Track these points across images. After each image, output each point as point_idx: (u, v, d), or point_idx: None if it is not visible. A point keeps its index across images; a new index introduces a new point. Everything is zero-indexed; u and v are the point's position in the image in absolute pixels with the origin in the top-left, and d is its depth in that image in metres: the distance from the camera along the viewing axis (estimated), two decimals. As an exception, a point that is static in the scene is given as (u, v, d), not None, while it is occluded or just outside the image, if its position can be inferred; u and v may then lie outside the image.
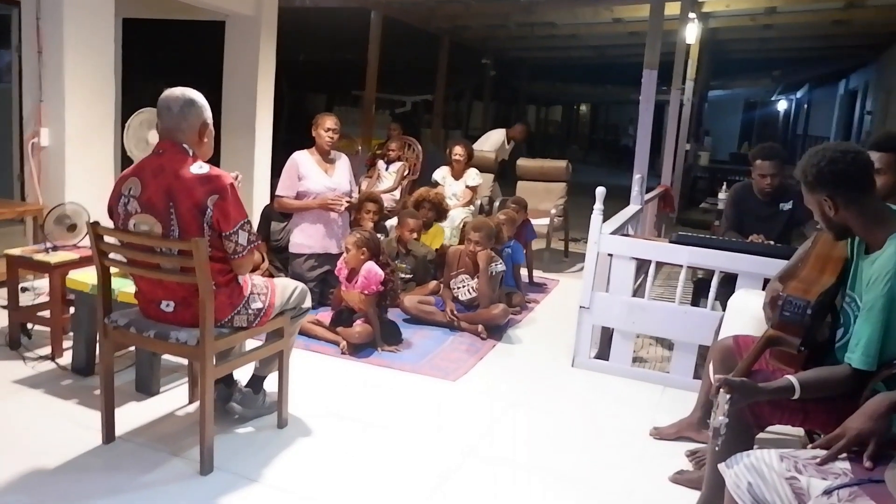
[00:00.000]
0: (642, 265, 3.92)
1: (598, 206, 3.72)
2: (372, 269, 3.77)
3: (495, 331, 4.26)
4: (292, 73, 10.52)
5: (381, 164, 7.06)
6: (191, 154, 2.42)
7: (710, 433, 1.89)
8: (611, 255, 3.75)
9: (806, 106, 18.70)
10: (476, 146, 8.04)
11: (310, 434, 2.83)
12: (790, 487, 1.59)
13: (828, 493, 1.51)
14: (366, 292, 3.76)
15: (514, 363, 3.88)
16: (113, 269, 2.59)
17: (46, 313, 3.47)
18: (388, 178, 6.91)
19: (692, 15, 7.01)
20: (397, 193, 6.68)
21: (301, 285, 2.84)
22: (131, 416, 2.84)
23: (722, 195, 6.54)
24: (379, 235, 4.31)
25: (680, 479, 2.64)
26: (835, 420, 1.96)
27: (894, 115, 9.74)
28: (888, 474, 1.51)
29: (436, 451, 2.77)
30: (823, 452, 1.64)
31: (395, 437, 2.88)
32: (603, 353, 3.91)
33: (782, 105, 20.82)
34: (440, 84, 10.75)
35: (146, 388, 3.06)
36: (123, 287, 2.90)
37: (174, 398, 3.06)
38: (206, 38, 6.79)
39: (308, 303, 2.87)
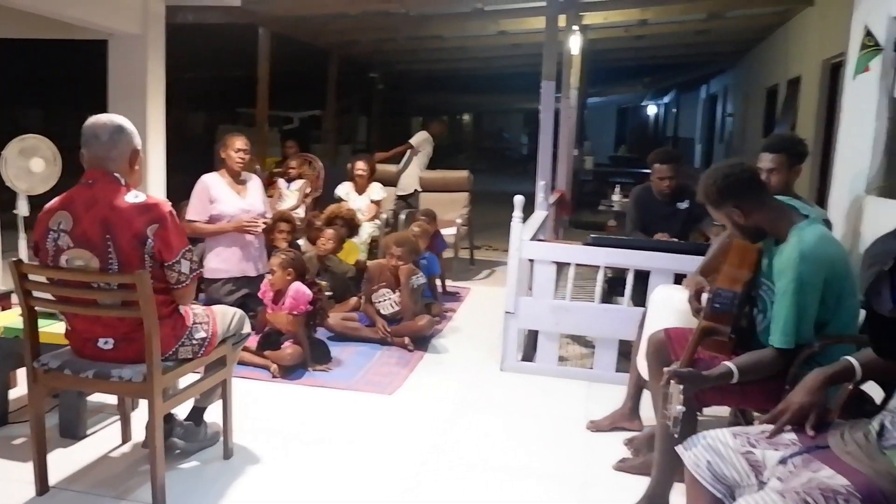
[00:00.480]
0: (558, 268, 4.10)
1: (518, 214, 3.86)
2: (300, 290, 3.73)
3: (421, 342, 4.32)
4: (175, 92, 10.13)
5: (281, 182, 6.95)
6: (123, 183, 2.34)
7: (668, 423, 2.04)
8: (531, 260, 3.90)
9: (674, 110, 20.06)
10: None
11: (258, 461, 2.77)
12: (746, 461, 1.75)
13: (783, 461, 1.68)
14: (294, 313, 3.72)
15: (446, 371, 3.95)
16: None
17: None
18: (290, 196, 6.82)
19: (575, 27, 7.38)
20: (301, 211, 6.60)
21: (239, 311, 2.79)
22: (62, 463, 2.67)
23: (616, 197, 6.91)
24: (297, 255, 4.25)
25: (623, 466, 2.80)
26: (765, 398, 2.17)
27: (752, 117, 10.64)
28: (831, 440, 1.70)
29: (387, 466, 2.79)
30: (770, 427, 1.81)
31: (344, 455, 2.87)
32: (528, 355, 4.05)
33: (652, 110, 22.24)
34: (330, 99, 10.67)
35: (72, 432, 2.89)
36: (45, 327, 2.73)
37: (105, 440, 2.90)
38: (87, 58, 6.44)
39: (247, 328, 2.81)
